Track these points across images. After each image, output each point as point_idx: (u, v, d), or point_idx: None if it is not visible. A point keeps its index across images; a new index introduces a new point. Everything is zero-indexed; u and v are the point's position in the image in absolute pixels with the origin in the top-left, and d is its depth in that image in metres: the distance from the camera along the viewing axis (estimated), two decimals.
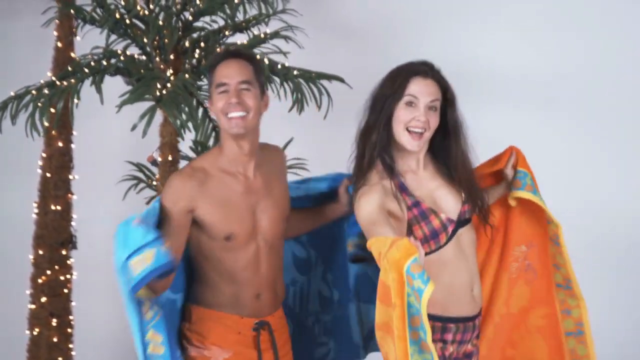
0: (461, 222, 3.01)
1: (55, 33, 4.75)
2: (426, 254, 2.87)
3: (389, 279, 2.58)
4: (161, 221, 2.98)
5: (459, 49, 5.03)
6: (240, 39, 4.22)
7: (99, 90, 3.84)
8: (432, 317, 2.84)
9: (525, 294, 3.33)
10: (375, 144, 2.94)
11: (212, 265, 3.08)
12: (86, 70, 3.88)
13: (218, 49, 4.08)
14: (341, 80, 4.10)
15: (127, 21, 4.00)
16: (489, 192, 3.28)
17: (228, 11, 4.13)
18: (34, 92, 3.91)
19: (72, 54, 4.74)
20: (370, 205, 2.85)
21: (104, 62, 3.94)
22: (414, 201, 2.94)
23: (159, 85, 3.72)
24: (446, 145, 3.04)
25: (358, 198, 2.90)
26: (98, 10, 4.03)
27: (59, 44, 4.75)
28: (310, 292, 3.51)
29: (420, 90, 2.92)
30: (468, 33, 5.06)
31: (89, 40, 4.24)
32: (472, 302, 2.99)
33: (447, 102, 3.00)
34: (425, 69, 2.96)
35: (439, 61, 5.07)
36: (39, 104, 3.77)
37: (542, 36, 4.98)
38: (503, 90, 5.02)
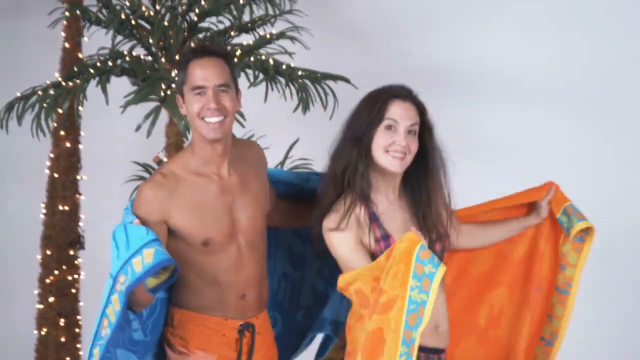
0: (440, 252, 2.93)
1: (62, 34, 4.78)
2: None
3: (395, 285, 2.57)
4: None
5: (463, 49, 5.02)
6: (246, 39, 4.23)
7: (104, 90, 3.87)
8: None
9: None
10: (355, 169, 2.85)
11: (193, 270, 2.97)
12: (92, 70, 3.90)
13: None
14: (346, 80, 4.10)
15: (133, 22, 4.01)
16: (513, 223, 3.24)
17: (235, 12, 4.14)
18: (40, 92, 3.93)
19: (80, 55, 4.76)
20: (348, 244, 2.80)
21: (110, 63, 3.95)
22: (383, 234, 2.85)
23: (163, 86, 3.72)
24: (421, 172, 2.95)
25: (332, 231, 2.82)
26: (104, 11, 4.05)
27: (67, 45, 4.78)
28: (303, 287, 3.40)
29: (400, 113, 2.84)
30: (472, 33, 5.05)
31: (97, 41, 4.26)
32: (437, 336, 2.90)
33: (424, 127, 2.92)
34: (404, 92, 2.88)
35: (444, 61, 5.10)
36: (45, 105, 3.79)
37: (546, 36, 4.97)
38: (507, 90, 5.01)
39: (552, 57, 4.94)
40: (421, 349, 2.81)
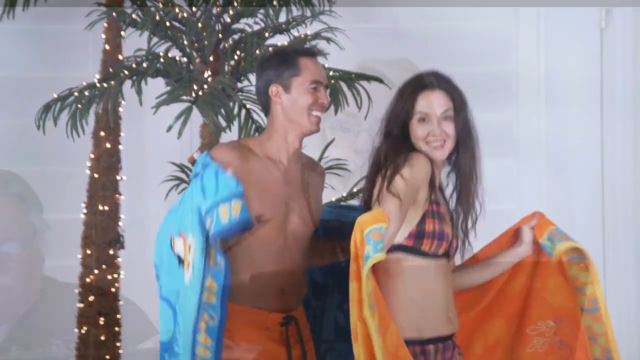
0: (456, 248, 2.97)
1: (103, 36, 4.82)
2: (423, 254, 2.83)
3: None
4: None
5: (503, 52, 4.98)
6: (280, 40, 4.24)
7: (138, 92, 3.90)
8: (409, 342, 2.76)
9: None
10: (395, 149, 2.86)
11: (237, 256, 2.99)
12: (126, 72, 3.94)
13: (257, 51, 4.09)
14: (380, 80, 4.10)
15: (167, 23, 4.04)
16: (499, 257, 3.17)
17: (271, 13, 4.15)
18: (76, 93, 3.99)
19: (120, 56, 4.80)
20: (423, 171, 2.80)
21: (145, 65, 3.99)
22: (436, 200, 2.89)
23: (195, 87, 3.75)
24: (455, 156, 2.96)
25: (413, 158, 2.80)
26: (139, 12, 4.08)
27: (107, 47, 4.82)
28: (324, 319, 3.36)
29: (429, 104, 2.86)
30: (517, 38, 5.01)
31: (137, 42, 4.29)
32: (449, 322, 2.90)
33: (455, 110, 2.91)
34: (431, 81, 2.89)
35: (484, 64, 5.03)
36: (79, 106, 3.84)
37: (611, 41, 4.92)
38: (566, 94, 4.97)
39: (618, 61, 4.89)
40: (437, 340, 2.84)
